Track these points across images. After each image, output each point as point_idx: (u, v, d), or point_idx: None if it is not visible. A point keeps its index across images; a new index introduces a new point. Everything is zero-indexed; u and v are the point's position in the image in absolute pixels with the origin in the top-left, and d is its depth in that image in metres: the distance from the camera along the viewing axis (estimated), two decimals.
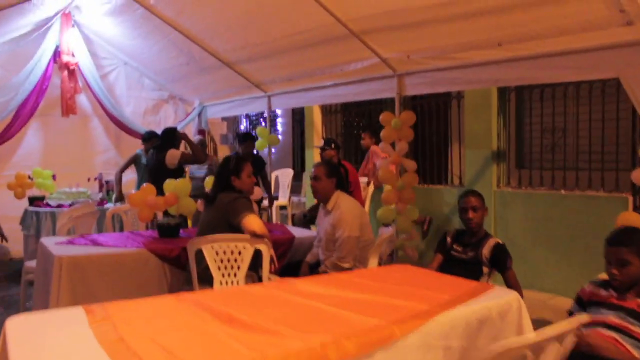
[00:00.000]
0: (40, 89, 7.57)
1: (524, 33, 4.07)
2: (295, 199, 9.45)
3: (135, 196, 4.35)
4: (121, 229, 5.99)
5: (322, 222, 4.28)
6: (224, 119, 10.24)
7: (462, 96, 6.58)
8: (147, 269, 3.89)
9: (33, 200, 6.58)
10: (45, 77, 7.60)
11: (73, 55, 7.75)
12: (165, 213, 4.60)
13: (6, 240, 6.94)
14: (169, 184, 4.39)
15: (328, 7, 4.85)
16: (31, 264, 4.85)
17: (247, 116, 12.46)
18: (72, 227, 4.85)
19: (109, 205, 6.64)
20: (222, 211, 3.72)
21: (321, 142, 6.58)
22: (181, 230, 4.51)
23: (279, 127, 12.14)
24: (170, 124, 8.19)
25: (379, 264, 4.10)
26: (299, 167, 10.87)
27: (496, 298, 2.65)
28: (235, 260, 3.58)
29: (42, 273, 4.16)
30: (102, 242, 4.11)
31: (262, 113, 10.57)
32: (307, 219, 6.34)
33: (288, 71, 6.60)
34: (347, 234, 3.96)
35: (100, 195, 6.97)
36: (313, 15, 5.07)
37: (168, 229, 4.33)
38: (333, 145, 6.25)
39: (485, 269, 3.66)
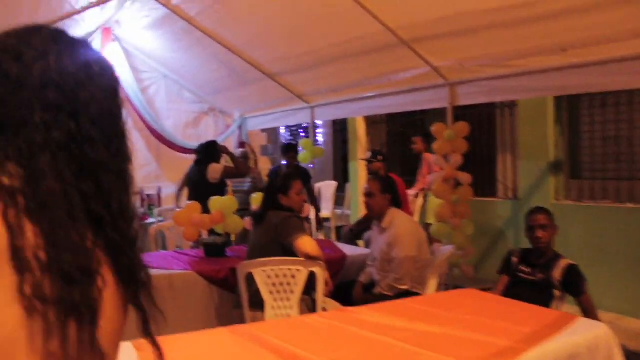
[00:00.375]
0: None
1: (592, 37, 3.79)
2: (338, 211, 9.23)
3: (181, 214, 4.19)
4: (164, 246, 5.87)
5: (376, 240, 4.06)
6: (263, 130, 10.10)
7: (515, 105, 6.28)
8: (195, 291, 3.72)
9: None
10: None
11: (114, 69, 7.67)
12: (211, 231, 4.43)
13: None
14: (215, 202, 4.22)
15: (377, 15, 4.64)
16: None
17: (287, 126, 12.31)
18: None
19: (151, 220, 6.54)
20: (273, 231, 3.52)
21: (367, 154, 6.35)
22: (227, 249, 4.33)
23: (319, 138, 11.96)
24: (210, 136, 8.06)
25: (439, 284, 3.85)
26: (341, 179, 10.66)
27: (584, 332, 2.39)
28: (289, 284, 3.37)
29: None
30: (146, 262, 3.95)
31: (301, 123, 10.43)
32: (354, 234, 6.12)
33: (332, 82, 6.41)
34: (404, 254, 3.72)
35: (141, 210, 6.87)
36: (360, 23, 4.87)
37: (214, 248, 4.16)
38: (380, 157, 6.02)
39: (556, 293, 3.38)
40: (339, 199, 9.27)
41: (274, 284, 3.36)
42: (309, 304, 3.51)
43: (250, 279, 3.38)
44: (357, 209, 8.40)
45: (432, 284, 3.74)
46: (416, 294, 3.71)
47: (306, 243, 3.37)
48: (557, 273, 3.39)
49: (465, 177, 5.15)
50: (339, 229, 8.39)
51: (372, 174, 6.35)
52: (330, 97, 6.74)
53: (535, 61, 4.27)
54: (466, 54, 4.76)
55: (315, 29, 5.49)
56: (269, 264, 3.34)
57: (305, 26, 5.50)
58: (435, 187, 5.16)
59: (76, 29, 6.85)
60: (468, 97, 5.04)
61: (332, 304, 3.66)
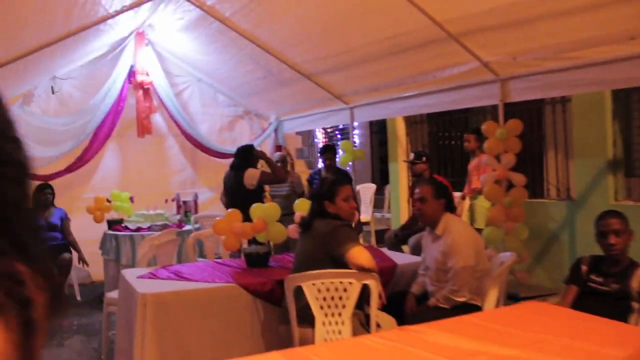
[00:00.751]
0: (116, 110, 7.43)
1: None
2: (378, 214, 8.96)
3: (221, 223, 3.98)
4: (201, 254, 5.70)
5: (428, 248, 3.78)
6: (298, 132, 9.90)
7: (568, 100, 5.92)
8: (238, 305, 3.50)
9: (112, 224, 6.40)
10: (121, 98, 7.45)
11: (147, 74, 7.57)
12: (252, 239, 4.22)
13: (87, 265, 6.79)
14: (257, 209, 4.00)
15: (423, 8, 4.37)
16: (112, 295, 4.58)
17: (323, 128, 12.08)
18: (152, 257, 4.55)
19: (187, 228, 6.37)
20: (321, 241, 3.28)
21: (410, 155, 6.08)
22: (270, 259, 4.11)
23: (356, 139, 11.70)
24: (245, 140, 7.88)
25: (499, 295, 3.56)
26: (378, 181, 10.38)
27: None
28: (340, 299, 3.13)
29: (124, 307, 3.86)
30: (186, 275, 3.75)
31: (337, 125, 10.19)
32: (399, 239, 5.85)
33: (372, 81, 6.16)
34: (462, 264, 3.45)
35: (178, 217, 6.71)
36: (404, 18, 4.62)
37: (257, 258, 3.94)
38: (424, 159, 5.74)
39: (635, 305, 3.07)
40: (378, 202, 9.00)
41: (324, 298, 3.12)
42: (361, 319, 3.27)
43: (298, 292, 3.15)
44: (398, 212, 8.12)
45: (492, 295, 3.46)
46: (475, 306, 3.44)
47: (359, 254, 3.12)
48: (635, 283, 3.08)
49: (519, 178, 4.85)
50: (378, 233, 8.11)
51: (416, 175, 6.08)
52: (370, 97, 6.49)
53: (598, 52, 3.95)
54: (519, 47, 4.46)
55: (355, 26, 5.25)
56: (320, 277, 3.10)
57: (344, 23, 5.26)
58: (487, 189, 4.86)
59: (110, 33, 6.74)
60: (521, 92, 4.73)
61: (386, 318, 3.40)
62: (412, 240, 5.60)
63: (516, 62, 4.54)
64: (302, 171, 8.45)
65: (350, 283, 3.11)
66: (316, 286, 3.12)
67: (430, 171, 5.83)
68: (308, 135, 12.22)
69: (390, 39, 5.12)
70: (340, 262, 3.18)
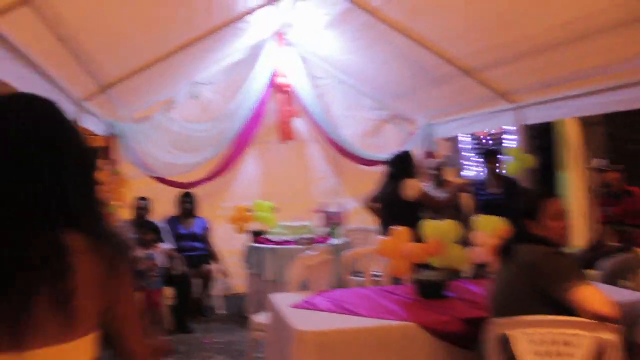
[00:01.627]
0: (257, 115, 7.09)
1: None
2: None
3: (387, 244, 3.32)
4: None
5: None
6: (444, 138, 9.05)
7: None
8: (415, 347, 2.81)
9: (256, 235, 6.02)
10: (261, 102, 7.10)
11: (288, 77, 7.16)
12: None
13: (226, 277, 6.49)
14: (431, 227, 3.29)
15: None
16: (260, 318, 4.09)
17: (471, 134, 11.08)
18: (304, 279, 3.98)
19: (334, 242, 5.81)
20: (528, 273, 2.51)
21: (600, 162, 5.11)
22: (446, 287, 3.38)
23: (511, 144, 10.59)
24: (392, 146, 7.21)
25: None
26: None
27: None
28: (560, 355, 2.33)
29: (275, 337, 3.32)
30: (350, 306, 3.12)
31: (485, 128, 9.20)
32: (586, 261, 4.90)
33: (546, 75, 5.24)
34: None
35: (323, 229, 6.17)
36: None
37: (432, 288, 3.23)
38: (620, 166, 4.76)
39: None
40: None
41: (537, 353, 2.35)
42: None
43: (503, 340, 2.40)
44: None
45: None
46: None
47: (589, 295, 2.32)
48: None
49: None
50: None
51: (605, 186, 5.10)
52: (541, 95, 5.56)
53: None
54: None
55: (526, 11, 4.41)
56: (536, 325, 2.33)
57: (513, 9, 4.44)
58: None
59: (250, 33, 6.39)
60: None
61: None
62: (605, 264, 4.64)
63: None
64: (455, 181, 7.61)
65: (575, 335, 2.31)
66: (528, 336, 2.35)
67: (623, 181, 4.84)
68: (455, 141, 11.27)
69: (574, 22, 4.22)
70: (558, 303, 2.39)
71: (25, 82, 3.92)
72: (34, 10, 3.45)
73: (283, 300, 3.37)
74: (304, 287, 3.97)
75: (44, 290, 1.06)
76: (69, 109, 5.15)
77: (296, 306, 3.18)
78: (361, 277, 4.56)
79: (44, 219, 1.10)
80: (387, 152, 6.61)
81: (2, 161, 1.10)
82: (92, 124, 5.74)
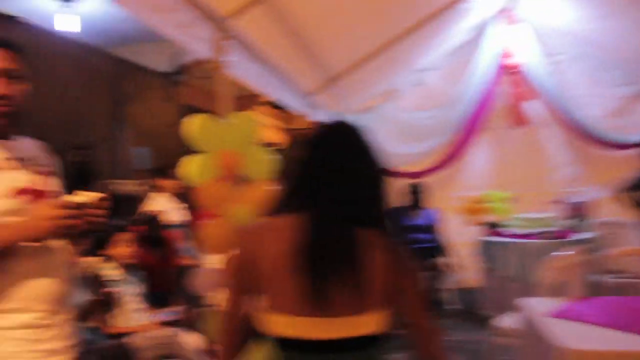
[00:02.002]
0: (485, 100, 6.66)
1: None
2: None
3: None
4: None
5: None
6: None
7: None
8: None
9: (492, 227, 5.67)
10: (489, 86, 6.65)
11: (517, 56, 6.60)
12: None
13: (454, 270, 6.19)
14: None
15: None
16: (504, 322, 3.74)
17: None
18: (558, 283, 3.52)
19: (576, 237, 5.17)
20: None
21: None
22: None
23: None
24: None
25: None
26: None
27: None
28: None
29: (529, 348, 2.98)
30: (624, 319, 2.63)
31: None
32: None
33: None
34: None
35: (567, 222, 5.55)
36: None
37: None
38: None
39: None
40: None
41: None
42: None
43: None
44: None
45: None
46: None
47: None
48: None
49: None
50: None
51: None
52: None
53: None
54: None
55: None
56: None
57: None
58: None
59: (472, 15, 6.01)
60: None
61: None
62: None
63: None
64: None
65: None
66: None
67: None
68: None
69: None
70: None
71: (261, 80, 4.04)
72: (267, 8, 3.51)
73: (537, 306, 3.01)
74: (555, 291, 3.53)
75: (348, 273, 1.39)
76: (300, 104, 5.28)
77: (557, 315, 2.79)
78: (619, 278, 3.96)
79: (362, 219, 1.45)
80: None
81: (342, 176, 1.47)
82: (320, 116, 5.82)
